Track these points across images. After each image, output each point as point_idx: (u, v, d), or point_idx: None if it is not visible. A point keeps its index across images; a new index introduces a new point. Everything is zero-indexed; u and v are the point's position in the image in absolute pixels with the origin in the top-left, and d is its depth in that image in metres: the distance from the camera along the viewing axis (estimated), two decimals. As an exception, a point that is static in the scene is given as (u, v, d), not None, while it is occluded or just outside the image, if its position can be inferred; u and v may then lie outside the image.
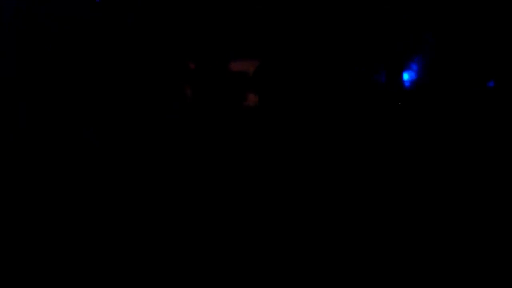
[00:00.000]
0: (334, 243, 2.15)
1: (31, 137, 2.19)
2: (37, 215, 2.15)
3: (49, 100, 2.21)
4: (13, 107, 2.19)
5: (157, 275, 2.10)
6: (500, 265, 2.06)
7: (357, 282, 2.09)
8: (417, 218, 2.17)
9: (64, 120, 2.22)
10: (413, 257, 2.11)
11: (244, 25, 2.28)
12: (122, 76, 2.26)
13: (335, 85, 2.29)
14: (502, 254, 2.07)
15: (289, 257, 2.13)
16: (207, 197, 2.22)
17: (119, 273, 2.10)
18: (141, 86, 2.29)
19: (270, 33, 2.28)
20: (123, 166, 2.23)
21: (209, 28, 2.28)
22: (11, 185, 2.15)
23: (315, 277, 2.10)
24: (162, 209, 2.21)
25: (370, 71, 2.29)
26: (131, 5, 2.26)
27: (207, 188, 2.24)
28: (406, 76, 2.31)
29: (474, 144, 2.23)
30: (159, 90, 2.29)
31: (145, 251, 2.14)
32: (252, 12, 2.26)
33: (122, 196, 2.21)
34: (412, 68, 2.30)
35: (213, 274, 2.10)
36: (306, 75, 2.30)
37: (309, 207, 2.21)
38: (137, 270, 2.10)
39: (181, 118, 2.29)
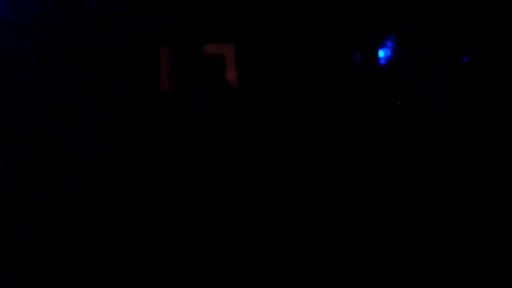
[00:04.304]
0: (334, 244, 2.16)
1: (31, 137, 2.19)
2: (37, 214, 2.15)
3: (49, 100, 2.21)
4: (13, 107, 2.19)
5: (157, 275, 2.11)
6: (500, 265, 2.06)
7: (357, 282, 2.09)
8: (415, 218, 2.18)
9: (64, 120, 2.22)
10: (413, 258, 2.12)
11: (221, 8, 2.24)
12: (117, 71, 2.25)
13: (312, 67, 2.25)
14: (502, 254, 2.08)
15: (289, 258, 2.13)
16: (207, 197, 2.23)
17: (119, 273, 2.10)
18: (140, 85, 2.29)
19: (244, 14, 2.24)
20: (123, 166, 2.23)
21: (184, 13, 2.24)
22: (10, 184, 2.15)
23: (315, 277, 2.11)
24: (162, 209, 2.21)
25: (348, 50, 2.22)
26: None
27: (207, 187, 2.24)
28: (381, 54, 2.27)
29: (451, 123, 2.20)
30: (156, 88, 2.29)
31: (145, 251, 2.14)
32: None
33: (122, 195, 2.21)
34: (387, 45, 2.24)
35: (213, 274, 2.11)
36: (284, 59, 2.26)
37: (306, 207, 2.22)
38: (137, 270, 2.11)
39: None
